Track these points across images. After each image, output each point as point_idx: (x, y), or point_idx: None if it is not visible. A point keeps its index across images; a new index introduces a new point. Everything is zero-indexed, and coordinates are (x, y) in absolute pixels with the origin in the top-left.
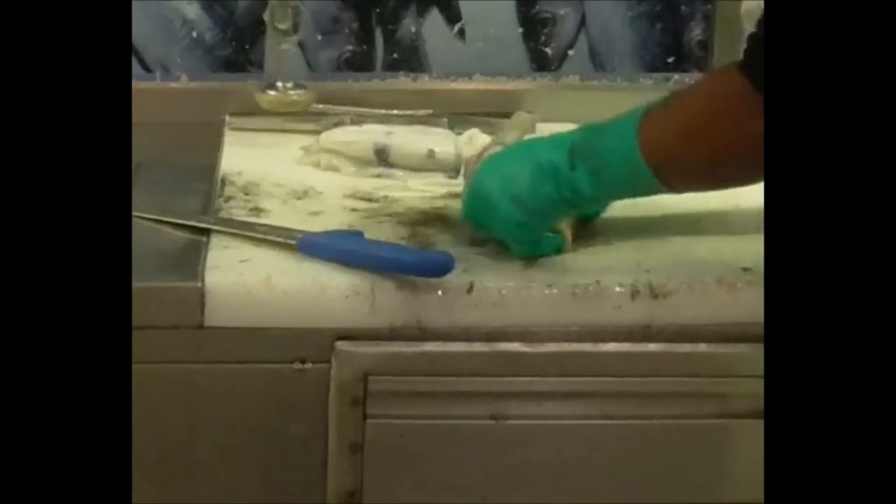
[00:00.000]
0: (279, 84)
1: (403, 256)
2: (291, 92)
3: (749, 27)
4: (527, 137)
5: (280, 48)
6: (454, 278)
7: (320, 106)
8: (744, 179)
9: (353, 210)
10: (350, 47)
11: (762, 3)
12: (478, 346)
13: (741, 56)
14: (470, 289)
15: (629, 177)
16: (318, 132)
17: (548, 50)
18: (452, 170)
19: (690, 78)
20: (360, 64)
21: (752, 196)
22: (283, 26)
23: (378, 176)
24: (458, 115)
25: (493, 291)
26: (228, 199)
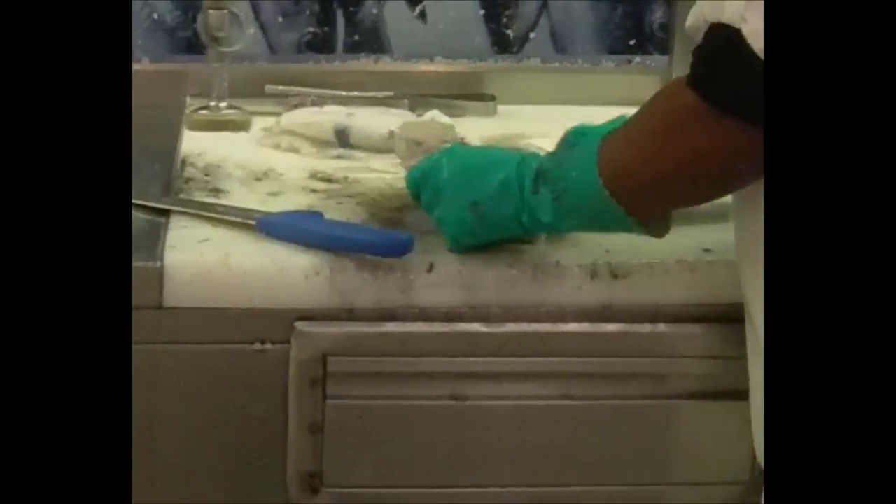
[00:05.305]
0: (212, 103)
1: (363, 236)
2: (226, 111)
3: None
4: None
5: (220, 63)
6: (414, 258)
7: (281, 87)
8: (702, 197)
9: (314, 191)
10: (311, 29)
11: (707, 18)
12: (437, 327)
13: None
14: (430, 269)
15: (590, 202)
16: (278, 113)
17: (509, 32)
18: None
19: (652, 60)
20: (321, 46)
21: None
22: (221, 34)
23: (338, 157)
24: (418, 97)
25: (453, 271)
26: (188, 180)
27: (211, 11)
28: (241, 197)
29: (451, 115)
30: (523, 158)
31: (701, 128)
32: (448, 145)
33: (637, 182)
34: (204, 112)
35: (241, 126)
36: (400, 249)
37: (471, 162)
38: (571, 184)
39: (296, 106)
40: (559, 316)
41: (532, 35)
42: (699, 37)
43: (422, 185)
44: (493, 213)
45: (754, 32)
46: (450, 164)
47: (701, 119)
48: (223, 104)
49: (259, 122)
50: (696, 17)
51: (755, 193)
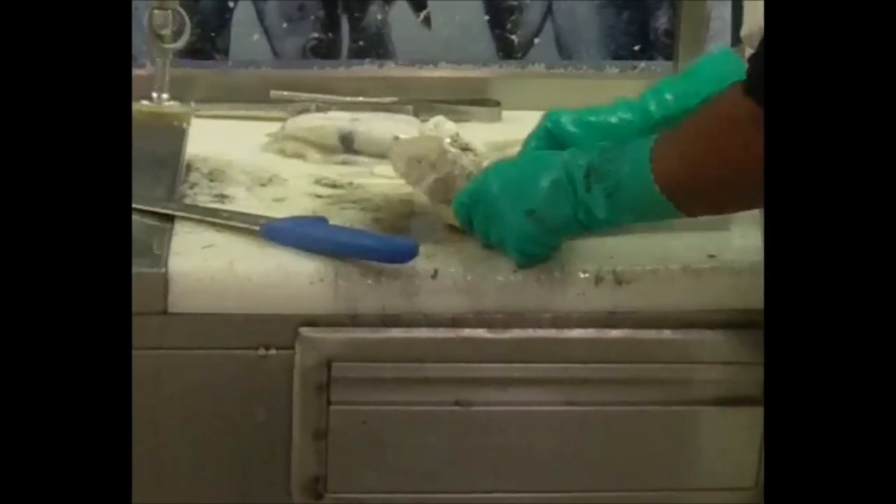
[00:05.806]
0: (154, 94)
1: (367, 242)
2: (167, 104)
3: (750, 49)
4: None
5: (162, 58)
6: (418, 264)
7: (285, 93)
8: (759, 202)
9: (318, 196)
10: (316, 34)
11: (762, 24)
12: (442, 333)
13: (707, 45)
14: (434, 275)
15: (645, 201)
16: (283, 119)
17: (514, 38)
18: None
19: (656, 66)
20: (325, 51)
21: None
22: (163, 31)
23: (343, 163)
24: (423, 103)
25: (458, 277)
26: (193, 185)
27: (156, 11)
28: (245, 202)
29: (455, 121)
30: (569, 156)
31: (760, 135)
32: (451, 153)
33: (693, 188)
34: (145, 103)
35: (181, 119)
36: (404, 255)
37: (517, 172)
38: (625, 183)
39: (300, 111)
40: (564, 322)
41: (536, 41)
42: (754, 44)
43: (472, 207)
44: (551, 217)
45: None
46: (497, 179)
47: (760, 126)
48: (165, 96)
49: (264, 128)
50: (751, 25)
51: None
